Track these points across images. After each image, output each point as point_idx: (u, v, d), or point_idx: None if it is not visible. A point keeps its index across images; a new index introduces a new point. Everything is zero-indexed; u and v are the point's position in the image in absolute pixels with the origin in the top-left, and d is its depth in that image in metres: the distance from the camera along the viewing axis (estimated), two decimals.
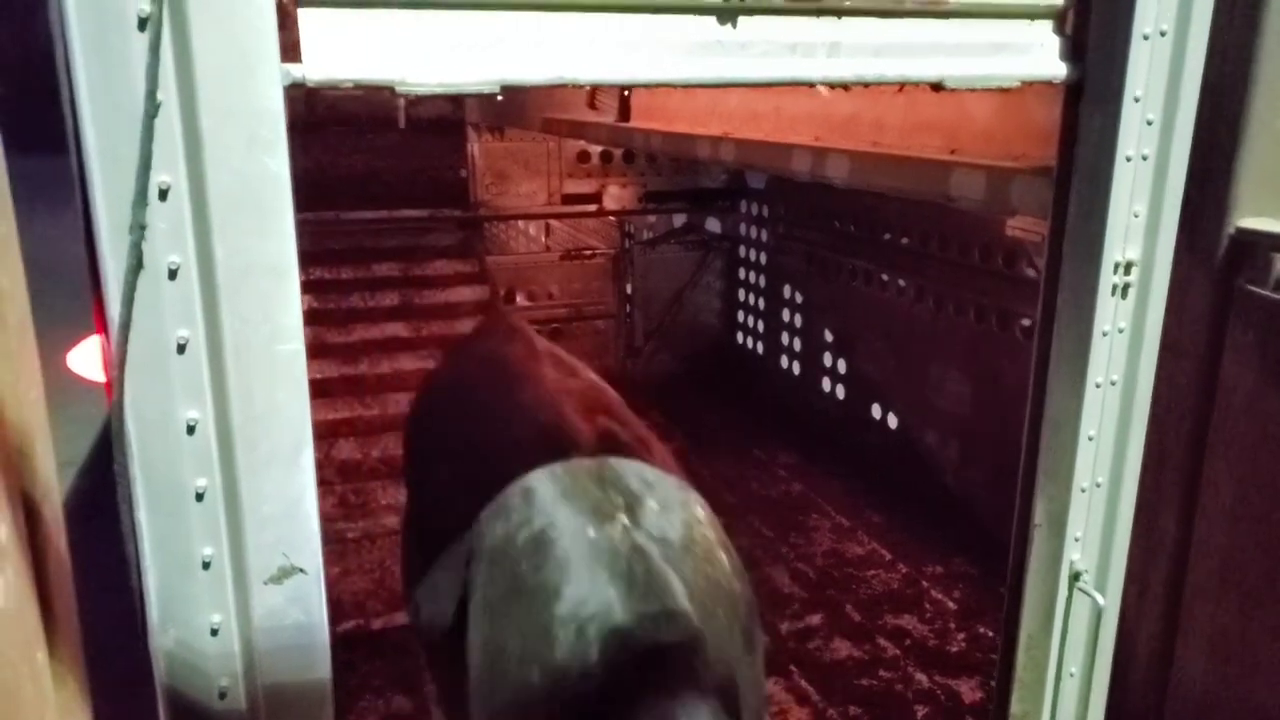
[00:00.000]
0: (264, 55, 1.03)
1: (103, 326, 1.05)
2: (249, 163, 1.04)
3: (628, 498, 1.45)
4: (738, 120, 2.94)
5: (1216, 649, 1.68)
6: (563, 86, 1.23)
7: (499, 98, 1.20)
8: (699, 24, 1.28)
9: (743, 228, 5.10)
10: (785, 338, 4.77)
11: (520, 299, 4.84)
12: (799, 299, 4.63)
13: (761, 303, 4.98)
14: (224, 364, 1.09)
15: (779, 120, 2.70)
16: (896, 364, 3.88)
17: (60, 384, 1.05)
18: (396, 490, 3.48)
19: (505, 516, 1.47)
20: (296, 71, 1.07)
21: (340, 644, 1.24)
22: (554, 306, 4.88)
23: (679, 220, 5.21)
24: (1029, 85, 1.50)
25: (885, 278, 3.92)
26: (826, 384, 4.42)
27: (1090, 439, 1.63)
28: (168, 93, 1.00)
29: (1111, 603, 1.73)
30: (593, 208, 4.91)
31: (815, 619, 2.94)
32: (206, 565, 1.13)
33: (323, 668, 1.21)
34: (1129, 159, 1.51)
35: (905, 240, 3.79)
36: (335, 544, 3.24)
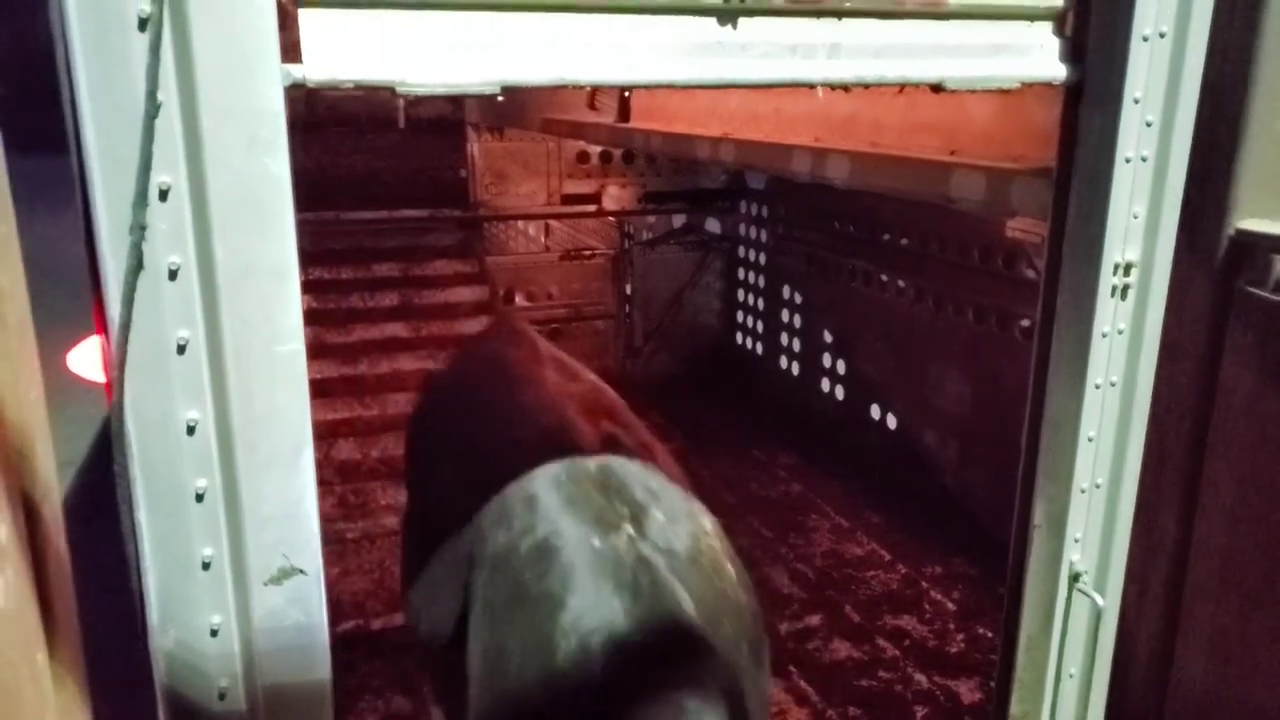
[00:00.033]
0: (264, 56, 1.03)
1: (103, 327, 1.05)
2: (249, 163, 1.04)
3: (633, 507, 1.43)
4: (737, 121, 2.94)
5: (1216, 650, 1.68)
6: (563, 87, 1.23)
7: (499, 98, 1.20)
8: (699, 25, 1.28)
9: (742, 228, 5.10)
10: (785, 338, 4.77)
11: (520, 299, 4.84)
12: (798, 299, 4.63)
13: (761, 303, 4.98)
14: (224, 365, 1.09)
15: (779, 121, 2.70)
16: (896, 365, 3.88)
17: (60, 384, 1.05)
18: (396, 490, 3.48)
19: (507, 523, 1.45)
20: (297, 72, 1.07)
21: (339, 644, 1.24)
22: (553, 307, 4.88)
23: (678, 221, 5.21)
24: (1029, 86, 1.50)
25: (885, 278, 3.92)
26: (826, 384, 4.42)
27: (1090, 440, 1.63)
28: (168, 93, 1.00)
29: (1111, 603, 1.73)
30: (592, 208, 4.91)
31: (814, 619, 2.94)
32: (206, 566, 1.13)
33: (322, 668, 1.21)
34: (1129, 160, 1.51)
35: (905, 241, 3.79)
36: (335, 544, 3.24)
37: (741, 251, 5.13)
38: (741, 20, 1.29)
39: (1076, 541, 1.68)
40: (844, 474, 3.97)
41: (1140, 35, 1.45)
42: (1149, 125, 1.51)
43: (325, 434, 3.66)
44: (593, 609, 1.28)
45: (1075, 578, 1.68)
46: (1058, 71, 1.50)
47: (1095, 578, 1.71)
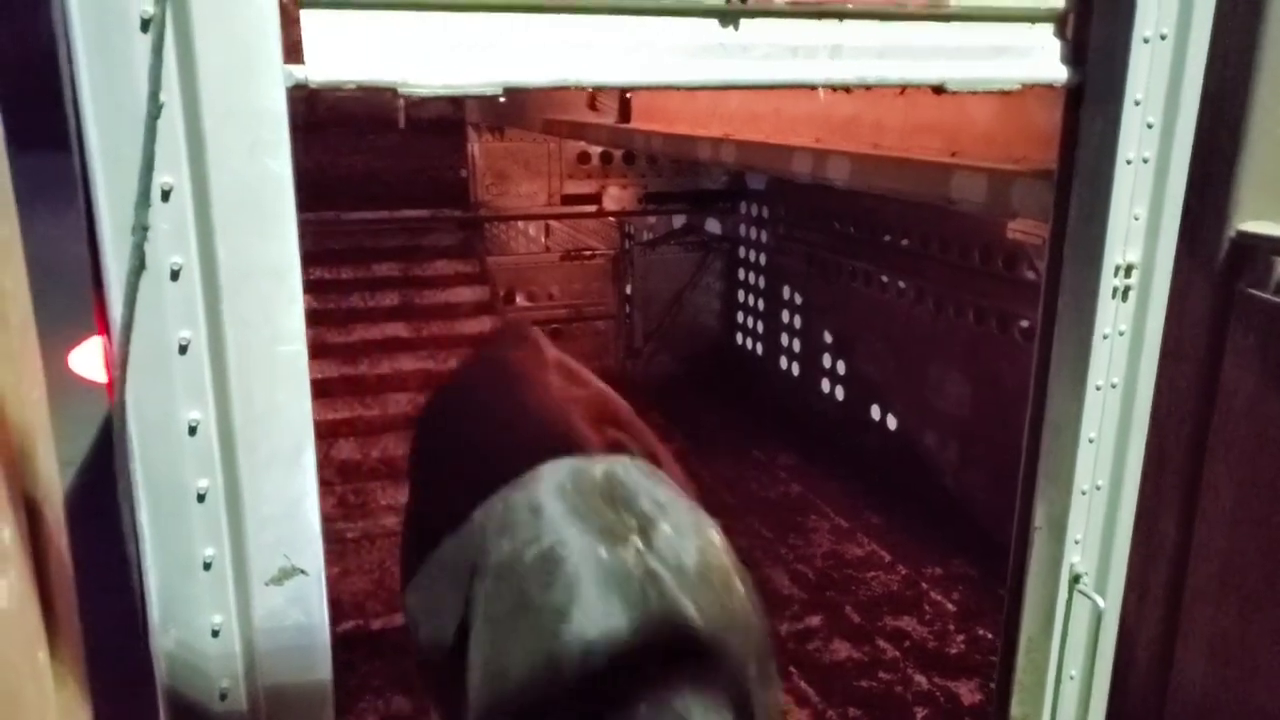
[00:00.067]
0: (267, 57, 1.03)
1: (104, 327, 1.05)
2: (251, 164, 1.04)
3: (640, 520, 1.40)
4: (738, 122, 2.94)
5: (1216, 652, 1.68)
6: (565, 89, 1.23)
7: (500, 99, 1.20)
8: (701, 26, 1.28)
9: (742, 229, 5.10)
10: (785, 339, 4.77)
11: (520, 299, 4.84)
12: (799, 300, 4.63)
13: (761, 304, 4.98)
14: (226, 365, 1.09)
15: (779, 122, 2.70)
16: (896, 365, 3.88)
17: (63, 385, 1.05)
18: (396, 490, 3.48)
19: (511, 532, 1.42)
20: (299, 73, 1.08)
21: (339, 644, 1.23)
22: (554, 307, 4.88)
23: (679, 221, 5.21)
24: (1030, 88, 1.50)
25: (885, 279, 3.92)
26: (826, 385, 4.42)
27: (1091, 442, 1.63)
28: (170, 94, 1.00)
29: (1112, 605, 1.73)
30: (593, 208, 4.91)
31: (814, 620, 2.94)
32: (208, 566, 1.13)
33: (323, 668, 1.21)
34: (1129, 162, 1.51)
35: (905, 242, 3.79)
36: (335, 544, 3.24)
37: (742, 252, 5.13)
38: (743, 22, 1.29)
39: (1077, 543, 1.68)
40: (844, 475, 3.97)
41: (1141, 37, 1.45)
42: (1150, 127, 1.51)
43: (325, 434, 3.66)
44: (598, 622, 1.26)
45: (1076, 579, 1.69)
46: (1059, 73, 1.50)
47: (1096, 580, 1.71)
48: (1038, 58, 1.49)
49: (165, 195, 1.02)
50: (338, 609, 2.83)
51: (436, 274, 4.42)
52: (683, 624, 1.27)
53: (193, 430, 1.09)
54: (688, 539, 1.41)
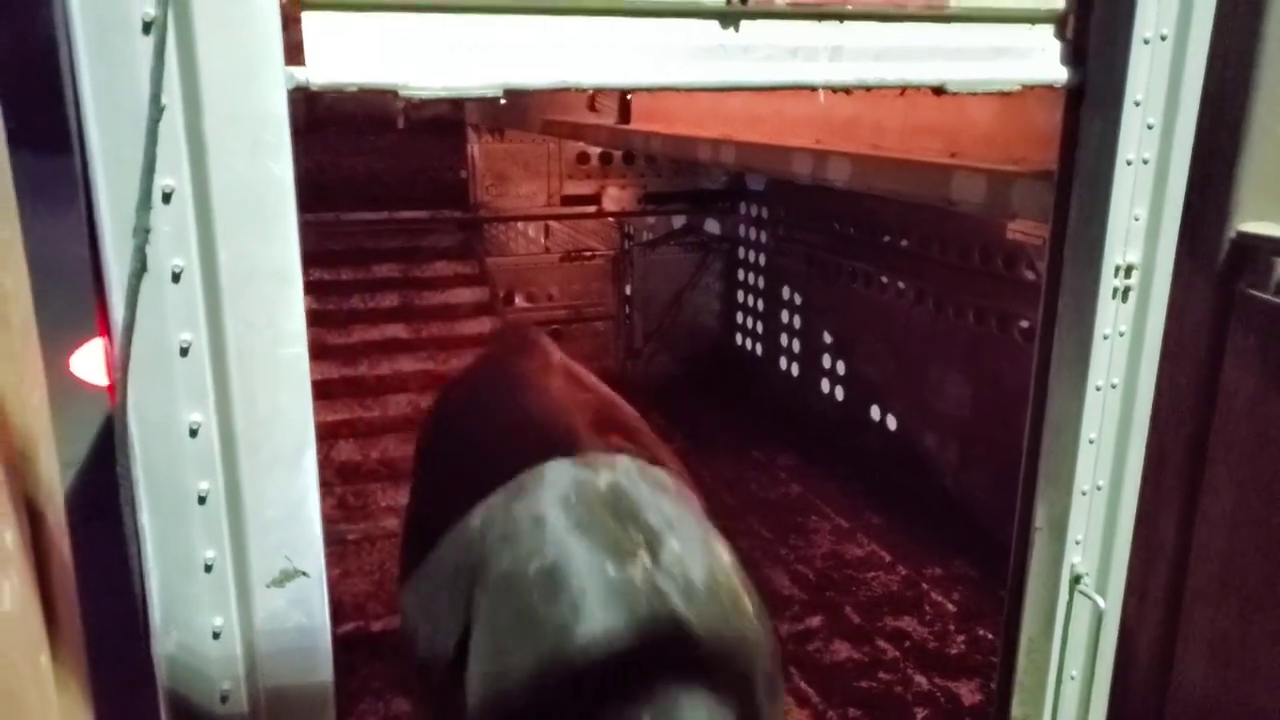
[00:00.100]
0: (268, 59, 1.03)
1: (105, 329, 1.05)
2: (253, 166, 1.04)
3: (647, 534, 1.37)
4: (738, 123, 2.94)
5: (1217, 653, 1.68)
6: (566, 90, 1.23)
7: (501, 101, 1.20)
8: (701, 28, 1.28)
9: (742, 229, 5.10)
10: (784, 339, 4.78)
11: (520, 300, 4.84)
12: (798, 301, 4.63)
13: (761, 304, 4.98)
14: (227, 367, 1.09)
15: (779, 123, 2.71)
16: (896, 366, 3.88)
17: (64, 387, 1.05)
18: (396, 492, 3.48)
19: (513, 544, 1.39)
20: (300, 75, 1.08)
21: (340, 646, 1.23)
22: (553, 308, 4.88)
23: (678, 222, 5.21)
24: (1030, 89, 1.50)
25: (885, 280, 3.92)
26: (826, 386, 4.42)
27: (1091, 442, 1.63)
28: (172, 96, 1.00)
29: (1112, 606, 1.73)
30: (592, 209, 4.91)
31: (815, 621, 2.94)
32: (209, 568, 1.13)
33: (325, 671, 1.21)
34: (1129, 163, 1.52)
35: (905, 243, 3.79)
36: (335, 546, 3.24)
37: (741, 253, 5.13)
38: (743, 23, 1.29)
39: (1078, 544, 1.68)
40: (844, 475, 3.98)
41: (1141, 38, 1.45)
42: (1150, 128, 1.51)
43: (325, 435, 3.66)
44: (603, 640, 1.23)
45: (1076, 580, 1.69)
46: (1059, 74, 1.50)
47: (1096, 580, 1.71)
48: (1038, 59, 1.49)
49: (166, 197, 1.02)
50: (338, 611, 2.83)
51: (436, 275, 4.42)
52: (691, 644, 1.24)
53: (194, 432, 1.09)
54: (696, 556, 1.37)
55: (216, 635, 1.14)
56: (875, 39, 1.37)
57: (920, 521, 3.52)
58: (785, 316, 4.75)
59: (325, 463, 3.62)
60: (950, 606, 3.03)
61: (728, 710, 1.23)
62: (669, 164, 4.88)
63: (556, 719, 1.23)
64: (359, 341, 4.03)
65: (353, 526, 3.41)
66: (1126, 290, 1.58)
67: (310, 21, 1.10)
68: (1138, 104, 1.48)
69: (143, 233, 1.01)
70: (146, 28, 0.97)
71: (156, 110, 0.99)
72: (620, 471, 1.49)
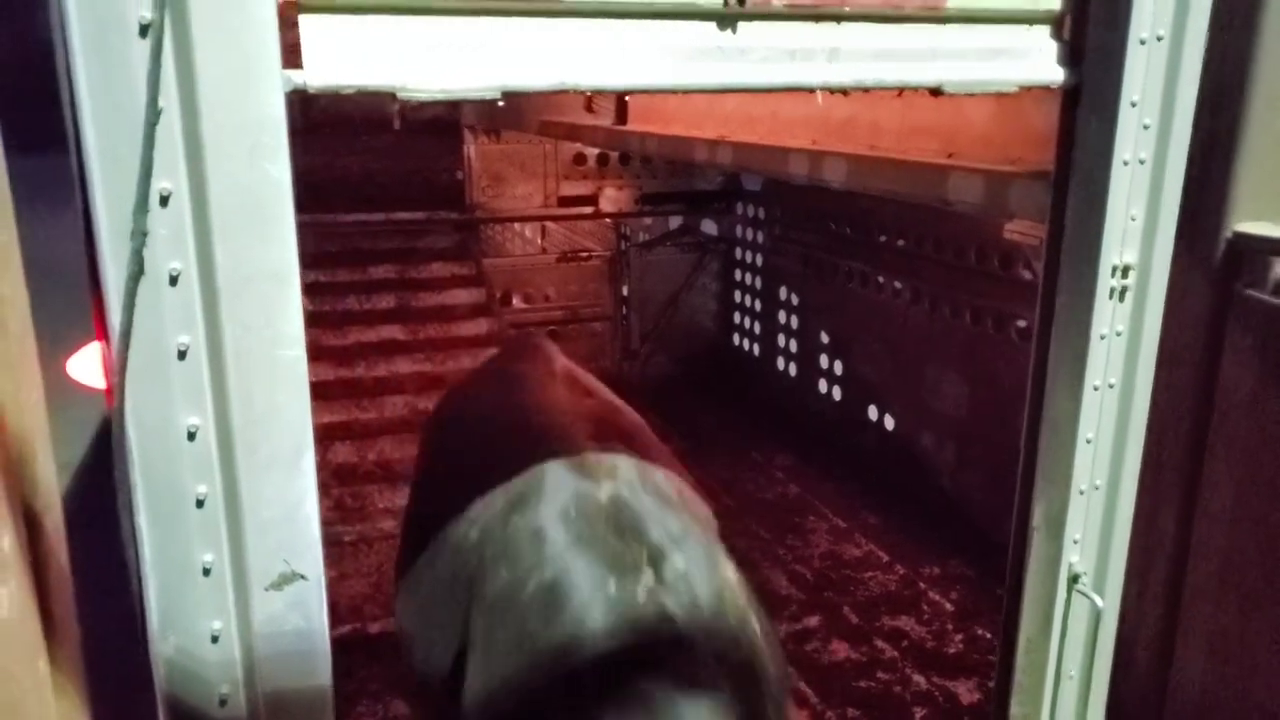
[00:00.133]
0: (265, 61, 1.02)
1: (103, 333, 1.04)
2: (250, 169, 1.04)
3: (651, 551, 1.32)
4: (735, 123, 2.94)
5: (1216, 651, 1.68)
6: (563, 92, 1.23)
7: (499, 103, 1.20)
8: (699, 30, 1.28)
9: (739, 230, 5.10)
10: (781, 339, 4.78)
11: (516, 301, 4.84)
12: (795, 301, 4.64)
13: (757, 304, 4.99)
14: (225, 370, 1.08)
15: (776, 123, 2.71)
16: (893, 366, 3.89)
17: (61, 391, 1.04)
18: (393, 494, 3.48)
19: (511, 560, 1.35)
20: (298, 78, 1.07)
21: (337, 649, 1.23)
22: (550, 309, 4.88)
23: (675, 222, 5.22)
24: (1027, 90, 1.50)
25: (881, 280, 3.93)
26: (823, 386, 4.43)
27: (1088, 441, 1.64)
28: (169, 99, 1.00)
29: (1110, 605, 1.74)
30: (589, 210, 4.91)
31: (813, 621, 2.95)
32: (207, 572, 1.13)
33: (323, 674, 1.20)
34: (1126, 163, 1.52)
35: (901, 243, 3.80)
36: (332, 548, 3.23)
37: (738, 253, 5.14)
38: (741, 25, 1.29)
39: (1075, 543, 1.68)
40: (841, 475, 3.98)
41: (1137, 39, 1.46)
42: (1146, 128, 1.52)
43: (322, 437, 3.63)
44: (604, 660, 1.20)
45: (1074, 579, 1.69)
46: (1055, 75, 1.51)
47: (1094, 579, 1.71)
48: (1034, 59, 1.50)
49: (164, 200, 1.02)
50: (335, 613, 2.81)
51: (432, 276, 4.41)
52: (696, 665, 1.21)
53: (192, 436, 1.09)
54: (701, 573, 1.33)
55: (215, 639, 1.14)
56: (872, 40, 1.37)
57: (917, 521, 3.52)
58: (782, 317, 4.75)
59: (322, 464, 3.59)
60: (948, 606, 3.03)
61: None
62: (665, 165, 4.88)
63: None
64: (355, 343, 4.02)
65: (349, 528, 3.41)
66: (1124, 290, 1.58)
67: (308, 24, 1.09)
68: (1134, 104, 1.49)
69: (140, 236, 1.00)
70: (143, 30, 0.97)
71: (153, 113, 0.98)
72: (622, 482, 1.45)
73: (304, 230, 1.07)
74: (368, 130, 4.68)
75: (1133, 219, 1.56)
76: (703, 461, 4.02)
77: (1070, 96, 1.54)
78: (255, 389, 1.10)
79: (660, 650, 1.21)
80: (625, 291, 5.03)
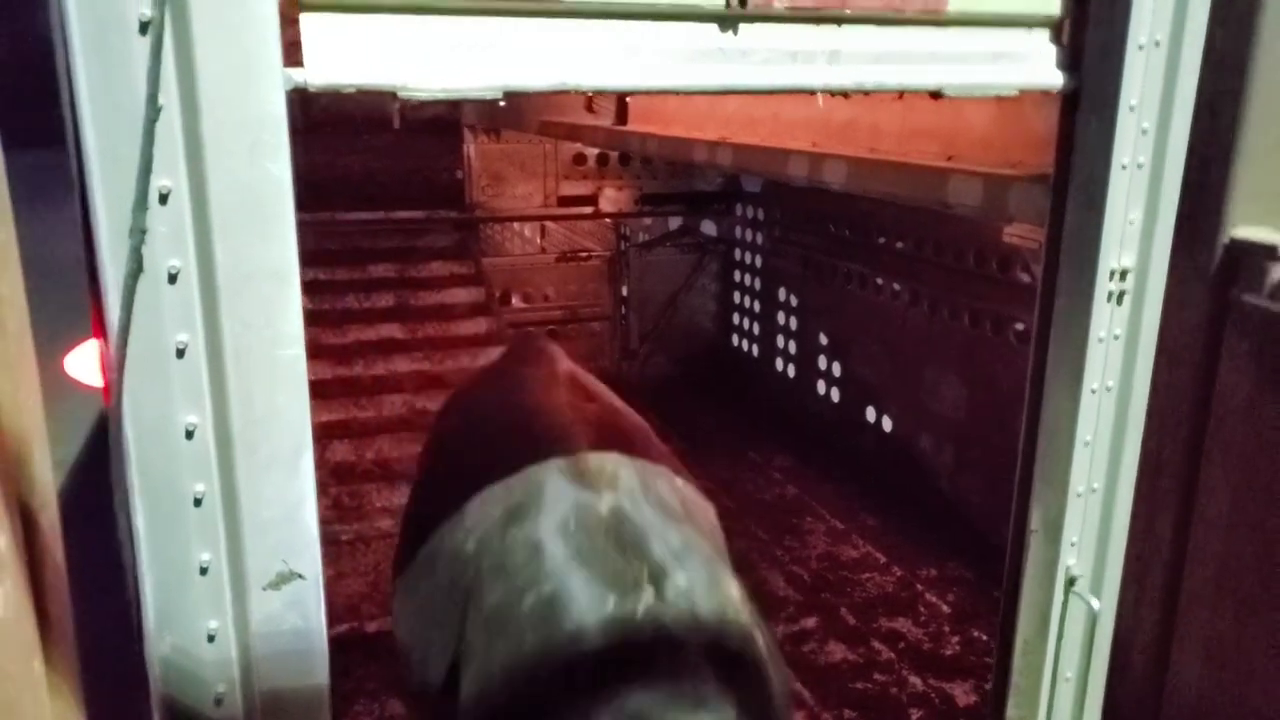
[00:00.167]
0: (266, 60, 1.02)
1: (101, 330, 1.04)
2: (250, 167, 1.04)
3: (652, 568, 1.29)
4: (735, 125, 2.94)
5: (1212, 655, 1.68)
6: (564, 93, 1.23)
7: (500, 103, 1.20)
8: (700, 31, 1.28)
9: (738, 231, 5.11)
10: (780, 341, 4.78)
11: (516, 301, 4.83)
12: (794, 302, 4.64)
13: (757, 306, 4.99)
14: (224, 369, 1.08)
15: (776, 125, 2.71)
16: (891, 368, 3.89)
17: (59, 389, 1.04)
18: (391, 493, 3.47)
19: (509, 573, 1.32)
20: (298, 76, 1.07)
21: (334, 648, 1.22)
22: (549, 308, 4.88)
23: (674, 223, 5.22)
24: (1026, 93, 1.50)
25: (880, 282, 3.93)
26: (821, 387, 4.43)
27: (1086, 444, 1.64)
28: (169, 97, 1.00)
29: (1107, 608, 1.74)
30: (589, 210, 4.91)
31: (810, 622, 2.95)
32: (204, 571, 1.12)
33: (320, 673, 1.20)
34: (1124, 167, 1.52)
35: (900, 245, 3.80)
36: (329, 547, 3.22)
37: (737, 254, 5.14)
38: (742, 26, 1.29)
39: (1073, 546, 1.68)
40: (839, 477, 3.98)
41: (1136, 44, 1.46)
42: (1145, 132, 1.52)
43: (320, 436, 3.63)
44: (603, 679, 1.17)
45: (1071, 582, 1.69)
46: (1055, 79, 1.51)
47: (1091, 582, 1.72)
48: (1034, 63, 1.50)
49: (163, 198, 1.02)
50: (332, 612, 2.81)
51: (432, 275, 4.41)
52: (698, 684, 1.18)
53: (190, 434, 1.08)
54: (704, 590, 1.29)
55: (211, 638, 1.14)
56: (873, 43, 1.38)
57: (915, 523, 3.52)
58: (781, 318, 4.75)
59: (320, 463, 3.58)
60: (945, 608, 3.03)
61: None
62: (665, 165, 4.88)
63: None
64: (354, 341, 4.02)
65: (347, 527, 3.40)
66: (1121, 294, 1.59)
67: (308, 23, 1.09)
68: (1132, 109, 1.49)
69: (139, 233, 1.00)
70: (143, 28, 0.96)
71: (153, 111, 0.98)
72: (623, 493, 1.42)
73: (304, 228, 1.07)
74: (368, 129, 4.68)
75: (1131, 223, 1.56)
76: (701, 462, 4.01)
77: (1069, 100, 1.54)
78: (254, 388, 1.10)
79: (660, 670, 1.18)
80: (624, 292, 5.03)
